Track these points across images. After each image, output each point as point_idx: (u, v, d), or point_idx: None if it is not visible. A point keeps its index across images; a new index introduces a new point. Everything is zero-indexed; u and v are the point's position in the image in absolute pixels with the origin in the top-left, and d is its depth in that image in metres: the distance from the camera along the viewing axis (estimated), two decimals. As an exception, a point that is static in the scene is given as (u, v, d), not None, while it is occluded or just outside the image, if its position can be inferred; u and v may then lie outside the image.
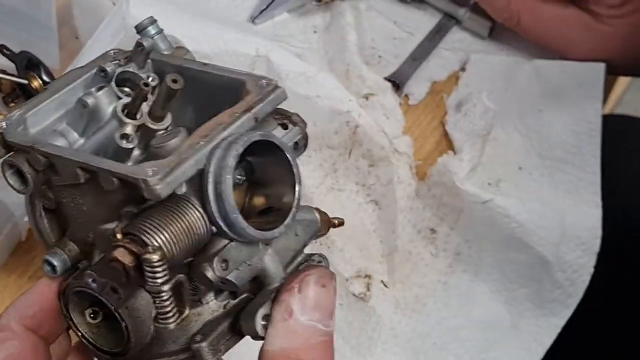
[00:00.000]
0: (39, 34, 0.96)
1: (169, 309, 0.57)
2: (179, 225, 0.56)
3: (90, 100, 0.62)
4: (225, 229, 0.57)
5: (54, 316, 0.62)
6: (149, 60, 0.68)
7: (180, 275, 0.58)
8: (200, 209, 0.57)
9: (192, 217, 0.57)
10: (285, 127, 0.63)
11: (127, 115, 0.61)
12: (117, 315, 0.55)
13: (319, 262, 0.63)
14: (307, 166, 0.96)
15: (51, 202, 0.62)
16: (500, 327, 0.93)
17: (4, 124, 0.61)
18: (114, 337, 0.58)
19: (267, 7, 1.05)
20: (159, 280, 0.54)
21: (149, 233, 0.54)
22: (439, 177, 0.97)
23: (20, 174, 0.60)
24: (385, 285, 0.93)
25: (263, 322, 0.57)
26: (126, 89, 0.65)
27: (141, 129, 0.62)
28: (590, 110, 0.97)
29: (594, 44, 0.91)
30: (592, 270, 0.94)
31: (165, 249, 0.54)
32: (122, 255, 0.53)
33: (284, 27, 1.05)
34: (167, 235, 0.55)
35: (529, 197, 0.96)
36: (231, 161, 0.57)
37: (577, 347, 0.99)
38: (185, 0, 1.04)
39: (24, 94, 0.97)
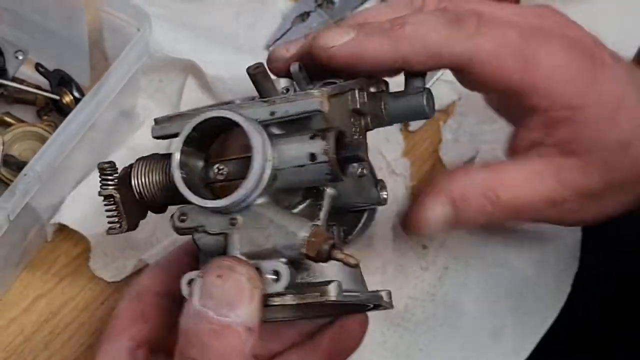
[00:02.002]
0: (71, 54, 1.00)
1: (110, 212, 0.70)
2: (152, 170, 0.70)
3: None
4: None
5: None
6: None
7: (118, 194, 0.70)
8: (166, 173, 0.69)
9: (158, 174, 0.70)
10: (312, 158, 0.64)
11: None
12: None
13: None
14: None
15: None
16: (483, 336, 0.95)
17: None
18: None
19: (281, 36, 1.07)
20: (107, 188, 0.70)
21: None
22: (431, 197, 1.01)
23: None
24: None
25: (187, 287, 0.63)
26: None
27: None
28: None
29: (579, 183, 0.76)
30: (569, 287, 0.97)
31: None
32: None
33: None
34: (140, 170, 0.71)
35: None
36: (183, 134, 0.65)
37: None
38: (207, 27, 1.07)
39: (56, 108, 1.01)
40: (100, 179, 0.71)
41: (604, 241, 1.03)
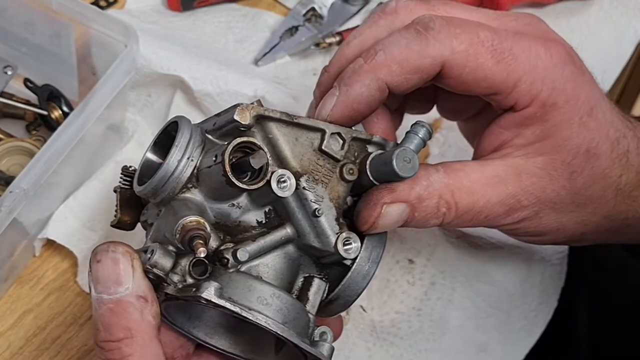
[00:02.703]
0: (60, 69, 1.00)
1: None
2: None
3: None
4: None
5: None
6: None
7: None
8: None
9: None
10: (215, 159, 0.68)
11: None
12: None
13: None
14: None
15: None
16: (469, 352, 0.96)
17: None
18: None
19: (270, 50, 1.08)
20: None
21: None
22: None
23: None
24: (364, 310, 0.96)
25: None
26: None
27: None
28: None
29: (539, 184, 0.73)
30: (556, 303, 0.98)
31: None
32: None
33: (284, 70, 1.08)
34: None
35: (499, 234, 0.97)
36: (153, 138, 0.73)
37: None
38: (195, 42, 1.08)
39: (45, 123, 1.02)
40: (120, 177, 0.77)
41: (590, 257, 1.04)
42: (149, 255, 0.65)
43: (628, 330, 1.04)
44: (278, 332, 0.65)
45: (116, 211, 0.77)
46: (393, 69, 0.67)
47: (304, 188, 0.69)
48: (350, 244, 0.70)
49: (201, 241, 0.64)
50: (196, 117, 1.02)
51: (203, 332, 0.74)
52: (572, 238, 0.78)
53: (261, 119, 0.68)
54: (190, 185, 0.69)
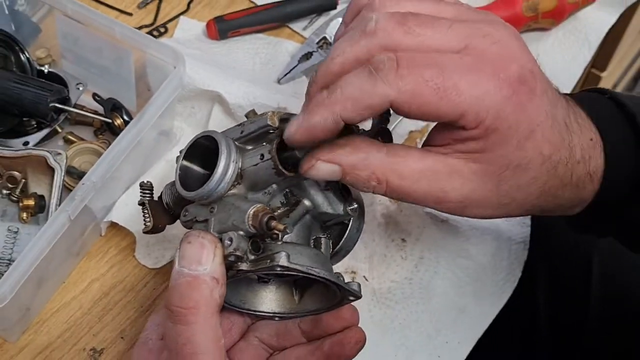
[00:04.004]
0: (121, 85, 1.01)
1: (143, 217, 0.77)
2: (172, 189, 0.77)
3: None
4: None
5: None
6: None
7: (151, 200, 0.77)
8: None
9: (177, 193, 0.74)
10: (262, 157, 0.69)
11: None
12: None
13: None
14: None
15: None
16: (451, 313, 0.96)
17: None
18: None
19: (289, 71, 1.08)
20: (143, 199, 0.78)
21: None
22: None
23: None
24: (366, 279, 0.97)
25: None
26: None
27: None
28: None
29: (468, 186, 0.68)
30: (520, 273, 0.98)
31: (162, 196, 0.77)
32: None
33: (301, 87, 1.07)
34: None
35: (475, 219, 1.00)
36: (184, 150, 0.73)
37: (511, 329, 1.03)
38: (229, 65, 1.08)
39: (109, 129, 1.02)
40: (140, 192, 0.78)
41: (550, 235, 1.04)
42: (228, 242, 0.66)
43: (577, 293, 1.05)
44: (333, 280, 0.68)
45: (148, 220, 0.77)
46: (347, 106, 0.63)
47: None
48: (353, 205, 0.73)
49: (274, 219, 0.65)
50: (231, 125, 1.03)
51: (244, 303, 0.76)
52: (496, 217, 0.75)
53: (283, 121, 0.69)
54: (236, 183, 0.70)
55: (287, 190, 0.72)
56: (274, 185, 0.70)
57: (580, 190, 0.73)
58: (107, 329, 0.93)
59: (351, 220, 0.74)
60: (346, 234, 0.75)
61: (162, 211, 0.77)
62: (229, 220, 0.67)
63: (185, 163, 0.73)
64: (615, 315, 1.04)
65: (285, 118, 0.69)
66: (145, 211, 0.77)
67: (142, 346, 0.74)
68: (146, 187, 0.78)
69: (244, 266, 0.67)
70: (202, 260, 0.65)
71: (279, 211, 0.70)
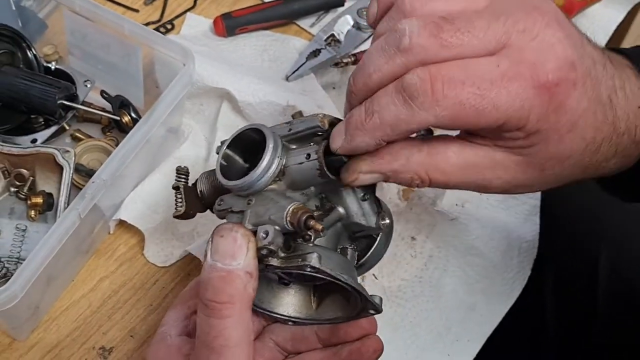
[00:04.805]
0: (129, 82, 1.00)
1: (177, 200, 0.77)
2: (209, 177, 0.76)
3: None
4: None
5: None
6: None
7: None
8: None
9: (213, 181, 0.75)
10: (308, 156, 0.68)
11: None
12: None
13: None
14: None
15: None
16: (460, 311, 0.96)
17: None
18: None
19: (297, 69, 1.07)
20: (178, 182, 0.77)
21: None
22: (419, 200, 1.00)
23: None
24: (375, 277, 0.96)
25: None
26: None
27: None
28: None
29: (511, 174, 0.68)
30: (529, 272, 0.98)
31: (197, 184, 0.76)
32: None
33: (309, 84, 1.07)
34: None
35: (486, 216, 0.99)
36: (229, 139, 0.72)
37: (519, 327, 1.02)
38: (237, 62, 1.07)
39: (117, 126, 1.02)
40: (175, 176, 0.78)
41: (557, 232, 1.04)
42: (264, 235, 0.65)
43: (584, 290, 1.04)
44: (360, 290, 0.67)
45: (180, 205, 0.77)
46: (387, 132, 0.63)
47: None
48: (385, 221, 0.72)
49: (313, 219, 0.65)
50: (240, 122, 1.03)
51: (261, 302, 0.75)
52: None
53: (332, 124, 0.69)
54: (277, 179, 0.69)
55: (323, 195, 0.71)
56: (312, 188, 0.70)
57: (625, 159, 0.72)
58: (116, 327, 0.92)
59: (380, 235, 0.73)
60: (373, 248, 0.73)
61: (195, 198, 0.77)
62: (266, 214, 0.66)
63: (229, 152, 0.72)
64: (622, 312, 1.03)
65: (334, 122, 0.69)
66: (179, 195, 0.77)
67: (160, 342, 0.73)
68: (182, 172, 0.78)
69: (274, 262, 0.66)
70: (236, 255, 0.64)
71: (316, 215, 0.69)
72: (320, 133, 0.68)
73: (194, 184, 0.78)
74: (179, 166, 0.79)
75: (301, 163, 0.68)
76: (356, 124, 0.64)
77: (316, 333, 0.77)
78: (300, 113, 0.74)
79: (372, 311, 0.71)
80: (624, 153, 0.71)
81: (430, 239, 0.99)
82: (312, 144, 0.69)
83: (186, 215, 0.77)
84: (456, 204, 0.99)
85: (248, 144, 0.71)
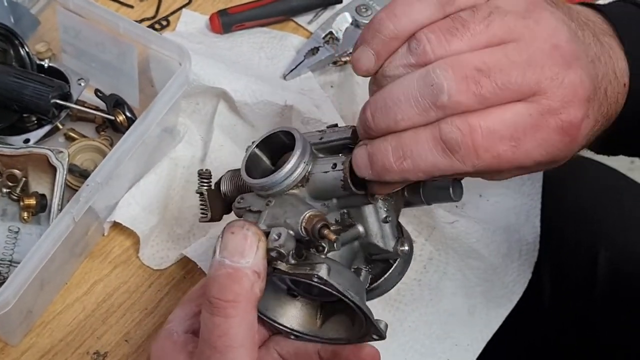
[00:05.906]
0: (124, 81, 0.98)
1: (202, 206, 0.75)
2: (233, 177, 0.75)
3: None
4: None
5: None
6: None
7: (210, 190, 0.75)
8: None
9: (237, 180, 0.74)
10: (334, 166, 0.66)
11: None
12: None
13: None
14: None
15: None
16: (460, 315, 0.94)
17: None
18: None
19: (295, 67, 1.06)
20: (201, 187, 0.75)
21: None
22: (419, 202, 0.99)
23: None
24: None
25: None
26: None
27: None
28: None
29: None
30: (530, 275, 0.96)
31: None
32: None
33: (307, 83, 1.05)
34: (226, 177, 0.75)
35: (486, 218, 0.98)
36: (258, 140, 0.71)
37: (519, 332, 1.01)
38: (234, 59, 1.05)
39: (111, 126, 1.00)
40: (198, 181, 0.76)
41: (555, 234, 1.03)
42: (276, 237, 0.63)
43: (582, 292, 1.04)
44: (365, 311, 0.65)
45: (205, 210, 0.75)
46: (419, 175, 0.62)
47: (381, 199, 0.68)
48: (404, 247, 0.70)
49: (328, 229, 0.63)
50: (237, 122, 1.01)
51: (266, 310, 0.73)
52: None
53: None
54: (300, 185, 0.67)
55: (345, 211, 0.69)
56: (334, 200, 0.68)
57: (607, 124, 0.72)
58: (110, 331, 0.90)
59: (397, 262, 0.71)
60: (388, 274, 0.71)
61: (220, 200, 0.75)
62: (282, 217, 0.65)
63: (257, 151, 0.71)
64: (621, 312, 1.03)
65: None
66: (203, 201, 0.75)
67: (166, 338, 0.71)
68: (205, 176, 0.76)
69: (282, 266, 0.64)
70: (245, 253, 0.63)
71: (332, 227, 0.67)
72: (351, 145, 0.67)
73: (217, 185, 0.76)
74: (201, 170, 0.76)
75: (326, 172, 0.66)
76: (384, 166, 0.62)
77: (319, 352, 0.75)
78: (335, 125, 0.72)
79: (375, 336, 0.68)
80: (608, 122, 0.72)
81: (429, 241, 0.97)
82: (341, 155, 0.67)
83: (212, 220, 0.76)
84: (456, 206, 0.98)
85: (277, 146, 0.70)
